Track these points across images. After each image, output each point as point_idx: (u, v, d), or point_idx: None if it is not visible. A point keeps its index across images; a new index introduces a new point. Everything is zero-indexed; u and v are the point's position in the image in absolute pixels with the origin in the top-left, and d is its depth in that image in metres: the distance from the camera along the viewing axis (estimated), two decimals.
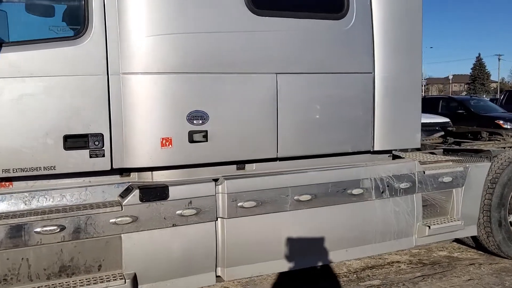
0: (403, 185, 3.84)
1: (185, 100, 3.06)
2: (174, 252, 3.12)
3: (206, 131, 3.11)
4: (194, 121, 3.07)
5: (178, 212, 3.07)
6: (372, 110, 3.65)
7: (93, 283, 2.89)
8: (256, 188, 3.31)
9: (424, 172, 3.98)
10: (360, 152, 3.74)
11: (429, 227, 3.94)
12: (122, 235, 2.97)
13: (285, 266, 3.51)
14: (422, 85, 4.21)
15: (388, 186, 3.77)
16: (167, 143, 3.03)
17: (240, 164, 3.42)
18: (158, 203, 3.02)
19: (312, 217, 3.52)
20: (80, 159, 2.89)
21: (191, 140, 3.06)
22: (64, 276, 2.91)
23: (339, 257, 3.75)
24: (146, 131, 2.99)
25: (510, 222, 4.40)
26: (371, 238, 3.79)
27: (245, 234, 3.33)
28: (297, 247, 3.52)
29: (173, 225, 3.09)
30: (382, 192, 3.76)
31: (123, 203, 2.96)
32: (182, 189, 3.12)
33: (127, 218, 2.95)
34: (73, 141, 2.85)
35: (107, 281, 2.92)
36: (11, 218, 2.72)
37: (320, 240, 3.60)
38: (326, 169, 3.61)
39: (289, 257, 3.48)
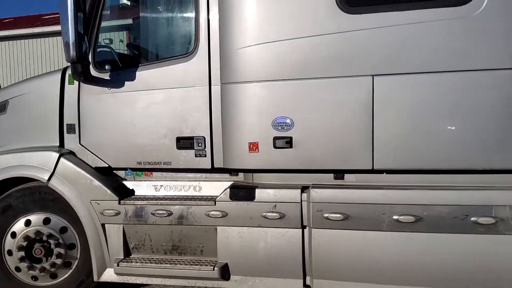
0: None
1: (271, 107, 3.20)
2: (261, 251, 3.34)
3: (291, 138, 3.17)
4: (279, 128, 3.19)
5: (262, 214, 3.28)
6: None
7: (195, 264, 3.47)
8: (344, 201, 3.14)
9: None
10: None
11: None
12: (217, 227, 3.42)
13: None
14: None
15: None
16: (254, 147, 3.26)
17: (337, 173, 3.29)
18: (245, 202, 3.32)
19: (416, 243, 3.04)
20: (188, 157, 3.47)
21: (275, 146, 3.20)
22: (175, 254, 3.60)
23: None
24: (236, 135, 3.30)
25: None
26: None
27: (334, 248, 3.20)
28: (394, 275, 3.12)
29: (259, 226, 3.32)
30: None
31: (216, 199, 3.39)
32: (268, 192, 3.30)
33: (218, 213, 3.37)
34: (183, 142, 3.46)
35: (202, 264, 3.44)
36: (139, 200, 3.59)
37: (425, 273, 3.06)
38: (440, 189, 3.03)
39: (383, 285, 3.13)
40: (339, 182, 3.31)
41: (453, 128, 2.91)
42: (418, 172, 3.08)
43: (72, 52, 3.20)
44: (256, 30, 3.19)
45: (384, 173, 3.19)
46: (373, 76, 3.00)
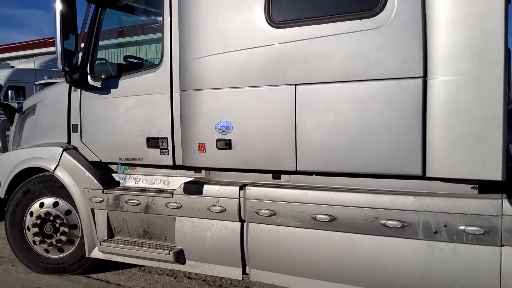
0: (473, 230, 2.84)
1: (215, 112, 3.64)
2: (208, 241, 3.81)
3: (230, 140, 3.59)
4: (221, 131, 3.61)
5: (208, 207, 3.75)
6: (421, 123, 2.91)
7: (157, 248, 4.05)
8: (272, 199, 3.49)
9: None
10: (408, 176, 3.06)
11: None
12: (175, 217, 3.97)
13: (304, 286, 3.46)
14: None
15: (446, 226, 2.91)
16: (202, 148, 3.72)
17: (274, 173, 3.63)
18: (195, 196, 3.81)
19: (333, 241, 3.28)
20: (155, 155, 4.05)
21: (217, 147, 3.63)
22: (146, 238, 4.22)
23: None
24: (190, 137, 3.79)
25: None
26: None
27: (266, 241, 3.57)
28: (315, 270, 3.39)
29: (206, 217, 3.79)
30: (435, 233, 2.95)
31: (174, 193, 3.93)
32: (213, 188, 3.76)
33: (175, 204, 3.91)
34: (151, 142, 4.05)
35: (161, 249, 4.01)
36: (118, 190, 4.27)
37: (341, 271, 3.28)
38: (354, 192, 3.23)
39: (306, 278, 3.42)
40: (275, 181, 3.65)
41: (365, 134, 3.11)
42: (337, 175, 3.32)
43: (59, 65, 3.96)
44: (206, 43, 3.66)
45: (314, 175, 3.48)
46: (295, 85, 3.30)
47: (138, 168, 4.44)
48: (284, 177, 3.63)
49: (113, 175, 4.52)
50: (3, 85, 14.47)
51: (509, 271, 2.80)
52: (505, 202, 2.80)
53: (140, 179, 4.38)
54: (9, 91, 15.34)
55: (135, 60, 4.61)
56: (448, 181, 3.02)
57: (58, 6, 3.87)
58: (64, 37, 3.94)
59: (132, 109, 4.17)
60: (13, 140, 5.47)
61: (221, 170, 3.82)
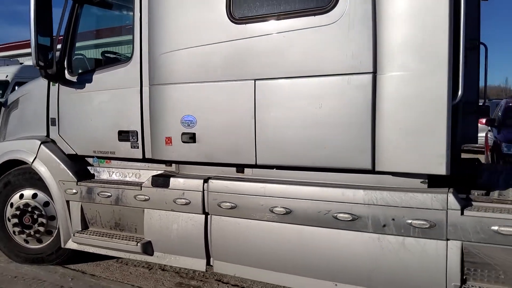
0: (419, 223, 2.89)
1: (181, 106, 3.73)
2: (175, 233, 3.90)
3: (194, 134, 3.67)
4: (186, 125, 3.70)
5: (174, 199, 3.84)
6: (371, 118, 2.97)
7: (126, 239, 4.15)
8: (232, 192, 3.57)
9: (462, 212, 2.79)
10: (360, 170, 3.12)
11: None
12: (144, 209, 4.07)
13: (264, 277, 3.55)
14: None
15: (393, 220, 2.97)
16: (169, 141, 3.82)
17: (238, 167, 3.71)
18: (161, 189, 3.91)
19: (289, 234, 3.35)
20: (126, 148, 4.15)
21: (183, 141, 3.72)
22: (117, 230, 4.33)
23: None
24: (158, 130, 3.89)
25: None
26: (373, 282, 3.10)
27: (228, 233, 3.66)
28: (274, 262, 3.47)
29: (172, 210, 3.88)
30: (384, 226, 3.00)
31: (142, 185, 4.03)
32: (179, 181, 3.85)
33: (143, 197, 4.02)
34: (122, 135, 4.15)
35: (130, 240, 4.11)
36: (91, 183, 4.38)
37: (300, 263, 3.35)
38: (308, 185, 3.30)
39: (266, 270, 3.49)
40: (239, 175, 3.73)
41: (319, 129, 3.17)
42: (297, 168, 3.39)
43: (33, 60, 4.08)
44: (172, 38, 3.75)
45: (274, 169, 3.55)
46: (255, 80, 3.38)
47: (113, 161, 4.55)
48: (247, 170, 3.70)
49: (89, 168, 4.64)
50: (10, 81, 14.72)
51: (455, 264, 2.85)
52: (451, 197, 2.84)
53: (113, 172, 4.49)
54: (16, 87, 15.64)
55: (112, 56, 4.71)
56: (398, 175, 3.07)
57: (33, 2, 3.99)
58: (38, 32, 4.05)
59: (105, 103, 4.28)
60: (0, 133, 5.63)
61: (187, 163, 3.91)
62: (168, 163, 4.16)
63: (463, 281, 2.87)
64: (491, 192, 3.11)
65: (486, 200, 2.93)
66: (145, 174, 4.28)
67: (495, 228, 2.71)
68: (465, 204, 2.86)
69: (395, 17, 2.88)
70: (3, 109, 5.59)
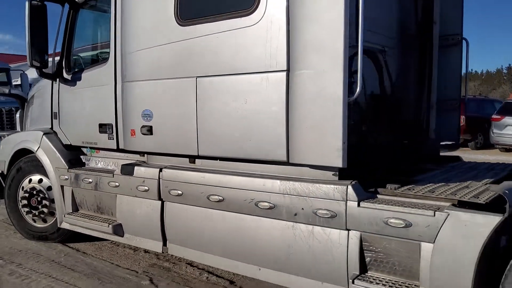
0: (322, 213, 3.06)
1: (141, 101, 4.14)
2: (139, 217, 4.34)
3: (151, 127, 4.07)
4: (145, 118, 4.11)
5: (136, 186, 4.27)
6: (285, 114, 3.17)
7: (102, 221, 4.65)
8: (179, 180, 3.93)
9: (359, 204, 2.92)
10: (278, 162, 3.33)
11: (353, 281, 2.89)
12: (116, 194, 4.54)
13: (206, 260, 3.87)
14: None
15: (303, 209, 3.16)
16: (133, 133, 4.26)
17: (189, 157, 4.05)
18: (127, 176, 4.36)
19: (225, 220, 3.64)
20: (105, 139, 4.65)
21: (142, 133, 4.14)
22: (99, 213, 4.86)
23: (250, 273, 3.56)
24: (125, 123, 4.34)
25: None
26: (288, 267, 3.32)
27: (178, 219, 4.02)
28: (215, 247, 3.77)
29: (135, 196, 4.32)
30: (295, 215, 3.21)
31: (114, 173, 4.51)
32: (141, 170, 4.28)
33: (114, 183, 4.49)
34: (102, 128, 4.65)
35: (104, 222, 4.60)
36: (78, 170, 4.95)
37: (232, 248, 3.64)
38: (238, 175, 3.56)
39: (207, 253, 3.82)
40: (191, 165, 4.08)
41: (245, 123, 3.44)
42: (232, 160, 3.67)
43: (28, 60, 4.70)
44: (135, 39, 4.19)
45: (218, 160, 3.85)
46: (196, 77, 3.71)
47: (101, 152, 5.08)
48: (198, 161, 4.04)
49: (82, 157, 5.21)
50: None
51: (354, 254, 3.00)
52: (350, 189, 2.99)
53: (99, 161, 5.03)
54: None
55: (96, 56, 5.25)
56: (315, 167, 3.25)
57: (27, 10, 4.61)
58: (31, 36, 4.67)
59: (90, 99, 4.82)
60: (23, 125, 6.44)
61: (151, 154, 4.33)
62: (139, 153, 4.61)
63: (363, 270, 3.01)
64: (409, 186, 3.19)
65: (389, 194, 3.04)
66: (122, 163, 4.76)
67: (385, 220, 2.83)
68: (364, 196, 2.99)
69: (302, 19, 3.07)
70: (26, 104, 6.38)
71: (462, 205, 2.69)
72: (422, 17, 4.70)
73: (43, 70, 4.91)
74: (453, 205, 2.72)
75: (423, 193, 2.94)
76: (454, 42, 4.93)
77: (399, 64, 4.63)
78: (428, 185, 3.23)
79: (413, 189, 3.09)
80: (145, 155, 4.58)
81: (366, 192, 3.05)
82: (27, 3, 4.60)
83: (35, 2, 4.64)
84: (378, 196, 3.06)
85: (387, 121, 4.21)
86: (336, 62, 2.90)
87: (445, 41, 4.94)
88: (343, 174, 3.17)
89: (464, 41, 4.90)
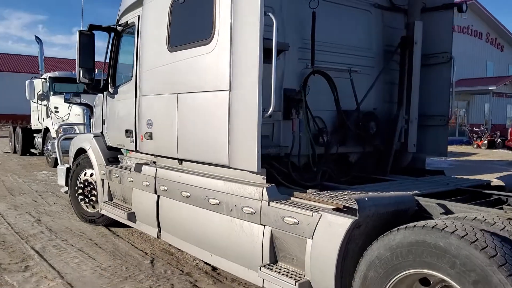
0: (246, 210, 3.65)
1: (147, 112, 5.07)
2: (142, 207, 5.27)
3: (151, 133, 4.97)
4: (148, 126, 5.03)
5: (142, 181, 5.20)
6: (227, 126, 3.81)
7: (124, 210, 5.66)
8: (164, 178, 4.76)
9: (269, 203, 3.45)
10: (225, 166, 3.97)
11: (260, 268, 3.43)
12: (132, 188, 5.53)
13: (182, 246, 4.63)
14: None
15: (235, 206, 3.78)
16: (142, 138, 5.20)
17: (178, 160, 4.85)
18: (138, 173, 5.31)
19: (191, 213, 4.38)
20: (128, 142, 5.68)
21: (146, 138, 5.06)
22: (124, 202, 5.90)
23: (206, 258, 4.24)
24: (139, 130, 5.30)
25: None
26: (228, 254, 3.95)
27: (167, 210, 4.85)
28: (186, 234, 4.53)
29: (142, 190, 5.25)
30: (231, 210, 3.83)
31: (130, 170, 5.50)
32: (145, 168, 5.20)
33: (130, 178, 5.49)
34: (128, 133, 5.69)
35: (123, 210, 5.60)
36: (112, 167, 6.05)
37: (195, 237, 4.36)
38: (199, 175, 4.27)
39: (183, 240, 4.59)
40: (178, 166, 4.88)
41: (203, 132, 4.16)
42: (199, 162, 4.40)
43: (77, 78, 5.93)
44: (144, 61, 5.15)
45: (195, 163, 4.61)
46: (177, 94, 4.52)
47: (132, 153, 6.17)
48: (184, 163, 4.84)
49: (119, 156, 6.35)
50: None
51: (267, 246, 3.54)
52: (265, 190, 3.55)
53: (130, 160, 6.10)
54: None
55: (128, 74, 6.33)
56: (247, 171, 3.85)
57: (78, 39, 5.85)
58: (80, 58, 5.89)
59: (121, 109, 5.92)
60: (92, 128, 7.86)
61: (157, 156, 5.23)
62: (153, 155, 5.56)
63: (275, 261, 3.54)
64: (324, 192, 3.65)
65: (299, 197, 3.53)
66: (136, 162, 5.77)
67: (282, 217, 3.35)
68: (276, 197, 3.53)
69: (237, 49, 3.71)
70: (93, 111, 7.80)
71: (339, 209, 3.12)
72: (403, 38, 4.96)
73: (91, 85, 6.14)
74: (333, 208, 3.16)
75: (321, 198, 3.39)
76: (443, 60, 5.09)
77: (378, 81, 4.97)
78: (342, 192, 3.65)
79: (322, 195, 3.54)
80: (156, 156, 5.53)
81: (280, 194, 3.59)
82: (78, 32, 5.86)
83: (84, 31, 5.88)
84: (291, 198, 3.57)
85: (350, 134, 4.61)
86: (254, 84, 3.49)
87: (434, 59, 5.14)
88: (272, 179, 3.76)
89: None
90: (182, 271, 4.95)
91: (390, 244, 2.64)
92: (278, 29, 4.05)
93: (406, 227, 2.60)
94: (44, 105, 15.47)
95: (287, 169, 4.15)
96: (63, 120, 13.81)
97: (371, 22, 5.00)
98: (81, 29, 5.90)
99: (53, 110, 14.76)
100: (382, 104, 5.12)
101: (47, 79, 15.51)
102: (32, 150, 17.02)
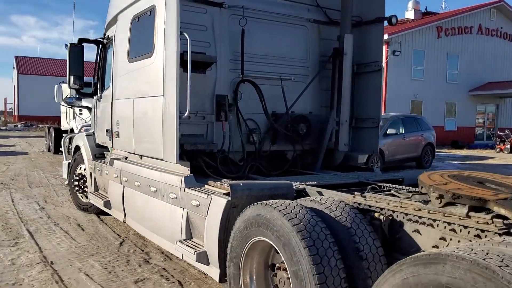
0: (172, 195, 4.40)
1: (117, 113, 5.92)
2: (115, 196, 6.11)
3: (119, 132, 5.82)
4: (117, 126, 5.88)
5: (113, 173, 6.05)
6: (162, 126, 4.58)
7: (102, 199, 6.54)
8: (126, 170, 5.58)
9: (184, 190, 4.18)
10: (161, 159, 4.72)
11: (176, 243, 4.17)
12: (109, 180, 6.40)
13: (138, 229, 5.44)
14: None
15: (166, 192, 4.54)
16: (114, 136, 6.06)
17: (140, 156, 5.66)
18: (111, 167, 6.17)
19: (141, 200, 5.17)
20: (107, 140, 6.56)
21: (115, 136, 5.91)
22: (105, 192, 6.78)
23: (151, 238, 5.01)
24: (112, 129, 6.16)
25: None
26: (164, 233, 4.71)
27: (128, 198, 5.66)
28: (140, 218, 5.33)
29: (113, 181, 6.10)
30: (163, 196, 4.59)
31: (107, 164, 6.37)
32: (116, 162, 6.04)
33: (106, 171, 6.35)
34: (107, 132, 6.57)
35: (101, 199, 6.48)
36: (96, 162, 6.95)
37: (143, 220, 5.15)
38: (146, 167, 5.06)
39: (138, 224, 5.39)
40: (139, 160, 5.69)
41: (146, 131, 4.95)
42: (148, 157, 5.19)
43: (68, 84, 6.87)
44: (116, 70, 6.01)
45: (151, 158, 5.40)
46: (133, 98, 5.34)
47: (114, 150, 7.05)
48: (143, 158, 5.65)
49: (105, 153, 7.25)
50: None
51: (184, 225, 4.27)
52: (183, 179, 4.29)
53: (112, 156, 6.98)
54: None
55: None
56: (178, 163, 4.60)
57: (68, 50, 6.80)
58: (71, 67, 6.83)
59: (103, 111, 6.81)
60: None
61: (125, 152, 6.08)
62: (123, 151, 6.41)
63: (190, 237, 4.27)
64: (236, 181, 4.35)
65: (212, 185, 4.24)
66: (111, 157, 6.63)
67: (191, 201, 4.08)
68: (191, 184, 4.26)
69: (166, 62, 4.47)
70: None
71: (228, 193, 3.83)
72: (335, 49, 5.57)
73: (81, 91, 7.08)
74: (224, 193, 3.86)
75: (222, 185, 4.10)
76: (374, 68, 5.66)
77: (314, 88, 5.62)
78: (249, 181, 4.34)
79: (226, 182, 4.24)
80: (128, 153, 6.38)
81: (196, 183, 4.32)
82: (68, 45, 6.82)
83: (74, 44, 6.83)
84: (205, 186, 4.30)
85: (280, 134, 5.27)
86: (172, 91, 4.25)
87: (367, 68, 5.72)
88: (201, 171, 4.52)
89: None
90: (143, 251, 5.77)
91: (244, 217, 3.32)
92: (210, 44, 4.81)
93: (254, 204, 3.28)
94: (71, 107, 16.82)
95: (215, 163, 4.88)
96: (85, 122, 15.05)
97: (307, 36, 5.64)
98: (71, 42, 6.86)
99: (78, 112, 16.06)
100: (319, 108, 5.74)
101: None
102: (60, 149, 18.45)
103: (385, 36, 25.81)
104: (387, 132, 14.21)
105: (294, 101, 5.37)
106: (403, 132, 15.03)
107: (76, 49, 6.83)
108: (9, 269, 5.02)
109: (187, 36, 4.26)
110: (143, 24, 5.19)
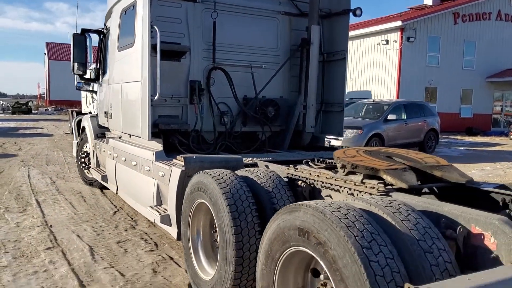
0: (146, 168, 5.04)
1: (109, 96, 6.58)
2: (109, 171, 6.80)
3: (111, 113, 6.48)
4: (109, 107, 6.55)
5: (108, 151, 6.74)
6: (140, 107, 5.20)
7: (100, 174, 7.26)
8: (116, 147, 6.25)
9: (155, 163, 4.80)
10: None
11: (148, 208, 4.82)
12: (106, 157, 7.10)
13: (127, 200, 6.11)
14: None
15: (142, 165, 5.18)
16: (109, 117, 6.73)
17: (129, 134, 6.31)
18: (107, 145, 6.86)
19: (127, 173, 5.84)
20: (106, 121, 7.24)
21: (109, 117, 6.58)
22: (104, 168, 7.50)
23: (135, 206, 5.68)
24: (107, 111, 6.84)
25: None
26: (143, 201, 5.36)
27: (120, 173, 6.34)
28: (128, 190, 6.00)
29: (108, 157, 6.79)
30: (140, 169, 5.24)
31: (104, 141, 7.07)
32: (110, 141, 6.72)
33: (103, 148, 7.05)
34: (105, 114, 7.25)
35: (100, 174, 7.20)
36: (97, 140, 7.67)
37: (129, 190, 5.82)
38: (130, 145, 5.71)
39: (127, 195, 6.08)
40: (129, 139, 6.35)
41: (131, 111, 5.58)
42: (133, 135, 5.84)
43: (72, 70, 7.57)
44: (110, 57, 6.65)
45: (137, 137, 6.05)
46: (121, 83, 5.97)
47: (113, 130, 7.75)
48: (132, 137, 6.30)
49: (106, 132, 7.95)
50: None
51: (155, 194, 4.90)
52: (154, 153, 4.91)
53: (110, 136, 7.68)
54: None
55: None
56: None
57: (72, 39, 7.48)
58: (75, 55, 7.52)
59: (103, 94, 7.50)
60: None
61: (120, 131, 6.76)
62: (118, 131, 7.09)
63: (160, 204, 4.91)
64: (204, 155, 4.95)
65: (178, 159, 4.85)
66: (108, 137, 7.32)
67: (158, 172, 4.70)
68: (161, 159, 4.87)
69: (141, 51, 5.07)
70: None
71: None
72: (303, 39, 6.04)
73: (84, 76, 7.78)
74: (183, 165, 4.46)
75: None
76: (340, 57, 6.12)
77: (285, 74, 6.14)
78: (206, 155, 4.93)
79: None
80: (122, 132, 7.06)
81: (166, 157, 4.94)
82: (72, 35, 7.50)
83: (78, 33, 7.50)
84: (173, 160, 4.91)
85: (250, 115, 5.83)
86: (145, 77, 4.86)
87: (334, 56, 6.19)
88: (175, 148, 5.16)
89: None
90: (132, 218, 6.47)
91: (191, 184, 3.93)
92: (185, 35, 5.39)
93: (198, 172, 3.88)
94: (90, 92, 17.73)
95: (188, 141, 5.49)
96: None
97: (279, 27, 6.13)
98: (75, 32, 7.55)
99: (94, 97, 16.94)
100: (289, 94, 6.25)
101: (93, 70, 17.74)
102: None
103: (399, 23, 25.78)
104: (388, 118, 14.53)
105: (263, 86, 5.90)
106: (405, 117, 15.31)
107: (80, 39, 7.50)
108: (13, 230, 5.80)
109: (157, 29, 4.84)
110: (128, 17, 5.79)
